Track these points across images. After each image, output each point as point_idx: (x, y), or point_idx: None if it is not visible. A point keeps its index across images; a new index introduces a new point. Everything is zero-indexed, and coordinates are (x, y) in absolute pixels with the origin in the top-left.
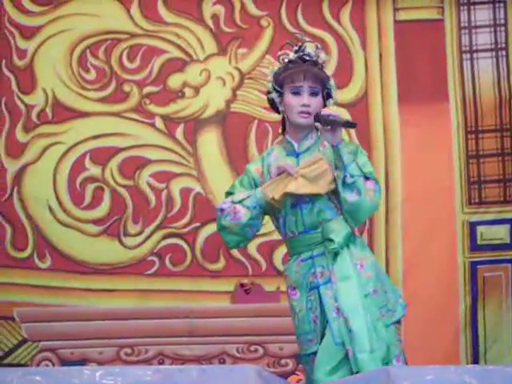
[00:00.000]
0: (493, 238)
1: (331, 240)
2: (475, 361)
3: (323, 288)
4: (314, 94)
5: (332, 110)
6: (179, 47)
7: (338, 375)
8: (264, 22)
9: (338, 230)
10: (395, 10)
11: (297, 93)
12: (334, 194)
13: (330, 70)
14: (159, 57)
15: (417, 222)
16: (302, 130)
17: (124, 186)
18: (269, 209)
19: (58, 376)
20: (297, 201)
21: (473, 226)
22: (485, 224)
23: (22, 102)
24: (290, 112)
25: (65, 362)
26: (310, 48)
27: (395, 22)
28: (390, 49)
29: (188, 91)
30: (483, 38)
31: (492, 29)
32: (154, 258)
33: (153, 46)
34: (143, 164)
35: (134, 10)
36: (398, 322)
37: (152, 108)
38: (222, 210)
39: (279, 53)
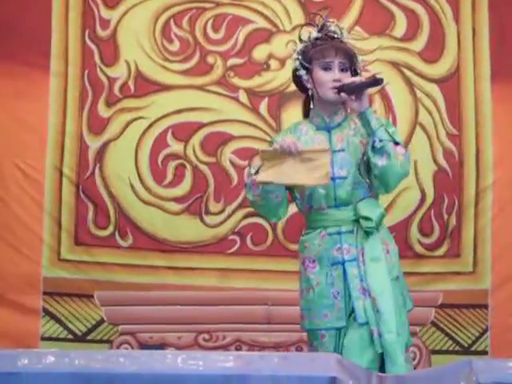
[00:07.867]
0: None
1: (368, 218)
2: None
3: (349, 265)
4: (344, 69)
5: (355, 78)
6: (265, 17)
7: (366, 356)
8: None
9: (373, 209)
10: None
11: (328, 68)
12: (366, 172)
13: (421, 43)
14: (244, 27)
15: (507, 203)
16: (332, 107)
17: (206, 164)
18: None
19: (141, 359)
20: (331, 175)
21: None
22: None
23: (105, 74)
24: (321, 88)
25: (144, 346)
26: (332, 26)
27: None
28: (483, 22)
29: (273, 63)
30: None
31: None
32: (236, 237)
33: (238, 16)
34: (225, 140)
35: None
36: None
37: (236, 81)
38: (246, 184)
39: (300, 32)
